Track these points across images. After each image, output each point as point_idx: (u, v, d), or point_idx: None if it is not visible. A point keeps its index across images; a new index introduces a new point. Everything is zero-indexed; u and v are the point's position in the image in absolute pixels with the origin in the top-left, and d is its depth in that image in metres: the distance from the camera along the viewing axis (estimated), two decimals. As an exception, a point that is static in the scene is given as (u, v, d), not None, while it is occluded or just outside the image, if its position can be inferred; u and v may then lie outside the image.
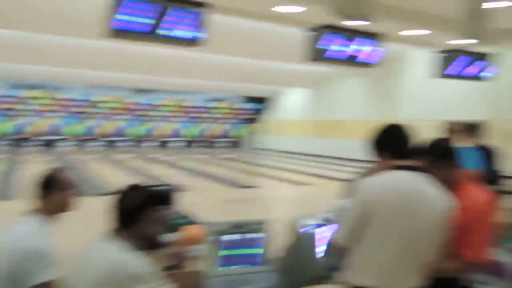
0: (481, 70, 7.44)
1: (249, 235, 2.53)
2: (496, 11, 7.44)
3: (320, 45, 5.25)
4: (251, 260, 2.52)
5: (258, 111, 25.16)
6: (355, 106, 18.70)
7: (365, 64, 5.82)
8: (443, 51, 7.09)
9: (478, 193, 2.09)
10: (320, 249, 2.52)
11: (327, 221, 2.71)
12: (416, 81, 15.29)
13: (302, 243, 2.66)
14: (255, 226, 2.56)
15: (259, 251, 2.54)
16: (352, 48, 5.53)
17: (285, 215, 2.90)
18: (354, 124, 17.11)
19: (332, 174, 12.20)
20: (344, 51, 5.48)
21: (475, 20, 6.89)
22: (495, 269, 2.88)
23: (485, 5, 6.96)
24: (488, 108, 13.25)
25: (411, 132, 1.98)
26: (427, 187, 1.83)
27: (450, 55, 7.02)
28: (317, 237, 2.61)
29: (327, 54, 5.33)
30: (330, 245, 1.98)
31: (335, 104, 19.95)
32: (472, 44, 7.17)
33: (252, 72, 17.62)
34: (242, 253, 2.49)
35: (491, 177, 5.17)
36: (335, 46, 5.36)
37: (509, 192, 7.08)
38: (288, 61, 15.63)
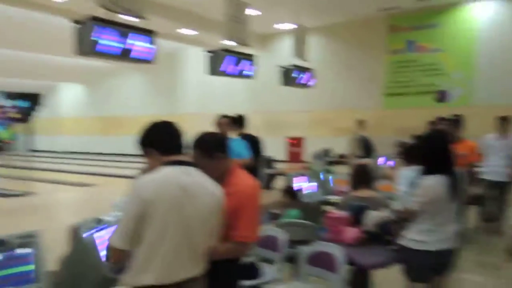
0: (245, 69, 8.35)
1: (16, 252, 2.21)
2: (252, 18, 8.48)
3: (92, 38, 4.93)
4: (21, 279, 2.21)
5: (26, 109, 22.10)
6: (137, 102, 18.49)
7: (140, 60, 5.75)
8: (213, 51, 7.66)
9: (245, 179, 2.29)
10: (103, 253, 2.41)
11: (108, 223, 2.61)
12: (195, 77, 16.16)
13: (83, 249, 2.49)
14: (23, 240, 2.25)
15: (30, 267, 2.25)
16: (126, 43, 5.37)
17: (64, 221, 2.65)
18: (138, 119, 16.90)
19: (116, 172, 11.78)
20: (117, 46, 5.27)
21: (237, 24, 7.70)
22: (269, 243, 3.32)
23: (246, 12, 7.85)
24: (252, 102, 15.10)
25: (180, 127, 2.04)
26: (199, 179, 1.94)
27: (219, 54, 7.63)
28: (99, 241, 2.48)
29: (98, 48, 5.02)
30: (108, 249, 1.88)
31: (117, 100, 19.29)
32: (237, 46, 7.98)
33: (15, 65, 15.35)
34: (8, 274, 2.16)
35: (260, 163, 5.90)
36: (107, 41, 5.09)
37: (279, 174, 8.28)
38: (59, 54, 14.24)
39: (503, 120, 5.76)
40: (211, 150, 2.22)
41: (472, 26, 11.78)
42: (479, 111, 10.23)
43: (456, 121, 5.33)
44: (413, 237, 2.75)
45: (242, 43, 7.83)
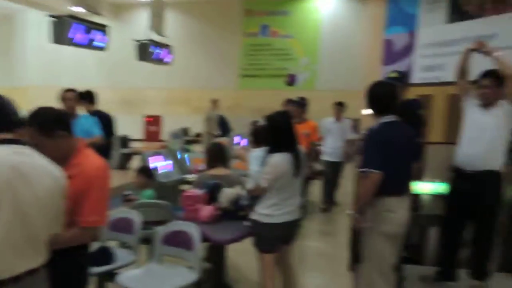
0: (96, 40, 7.71)
1: None
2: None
3: None
4: None
5: None
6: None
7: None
8: (57, 16, 6.87)
9: (90, 159, 2.11)
10: None
11: None
12: (37, 45, 14.32)
13: None
14: None
15: None
16: None
17: None
18: (-39, 91, 14.34)
19: None
20: None
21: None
22: (124, 226, 3.19)
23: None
24: (106, 76, 14.17)
25: (10, 100, 1.76)
26: (36, 160, 1.71)
27: (65, 21, 6.85)
28: None
29: None
30: None
31: None
32: (86, 13, 7.32)
33: None
34: None
35: (112, 142, 5.60)
36: None
37: (134, 153, 7.94)
38: None
39: (339, 105, 6.48)
40: (50, 127, 1.98)
41: (317, 17, 12.91)
42: (322, 95, 11.36)
43: (301, 104, 5.80)
44: (262, 212, 2.95)
45: (92, 10, 7.20)
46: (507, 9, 8.25)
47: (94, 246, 2.72)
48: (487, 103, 3.12)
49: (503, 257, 3.54)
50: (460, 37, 9.09)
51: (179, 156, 5.67)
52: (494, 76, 3.08)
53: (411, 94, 3.54)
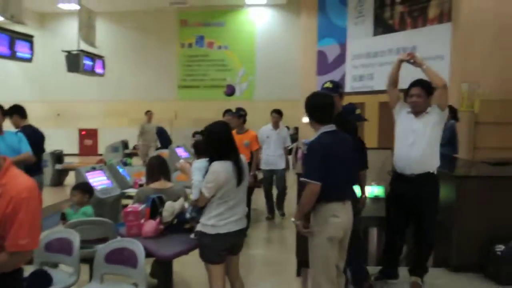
0: (20, 50, 7.20)
1: None
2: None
3: None
4: None
5: None
6: None
7: None
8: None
9: (16, 179, 1.94)
10: None
11: None
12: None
13: None
14: None
15: None
16: None
17: None
18: None
19: None
20: None
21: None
22: (61, 247, 2.99)
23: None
24: (36, 89, 13.36)
25: None
26: None
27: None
28: None
29: None
30: None
31: None
32: (8, 22, 6.85)
33: None
34: None
35: (43, 158, 5.27)
36: None
37: (70, 169, 7.49)
38: None
39: (276, 113, 6.57)
40: None
41: (251, 29, 13.13)
42: (260, 105, 11.53)
43: (240, 114, 5.81)
44: (207, 223, 2.90)
45: (14, 20, 6.73)
46: (425, 23, 8.93)
47: (30, 269, 2.54)
48: (417, 110, 3.33)
49: (438, 252, 3.78)
50: (385, 49, 9.67)
51: (119, 170, 5.47)
52: (422, 85, 3.30)
53: (346, 102, 3.69)
